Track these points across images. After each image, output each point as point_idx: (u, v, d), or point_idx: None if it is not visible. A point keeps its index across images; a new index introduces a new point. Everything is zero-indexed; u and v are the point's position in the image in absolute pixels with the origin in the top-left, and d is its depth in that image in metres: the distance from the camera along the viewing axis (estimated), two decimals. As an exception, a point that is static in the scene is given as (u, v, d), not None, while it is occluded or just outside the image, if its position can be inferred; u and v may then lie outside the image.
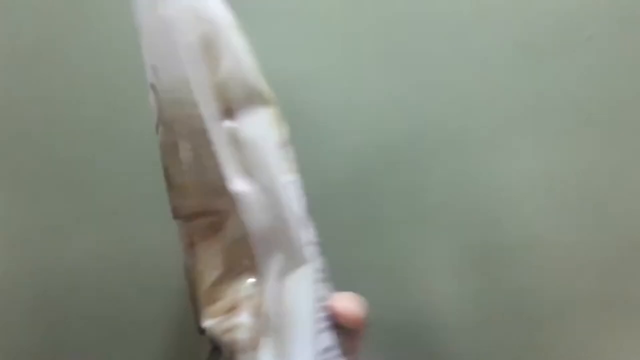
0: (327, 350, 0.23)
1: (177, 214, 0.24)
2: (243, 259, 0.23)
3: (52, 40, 0.35)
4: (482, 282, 0.37)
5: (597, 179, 0.37)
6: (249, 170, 0.23)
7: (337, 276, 0.26)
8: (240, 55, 0.23)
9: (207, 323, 0.23)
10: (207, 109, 0.22)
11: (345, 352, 0.24)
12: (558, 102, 0.36)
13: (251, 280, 0.23)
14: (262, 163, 0.23)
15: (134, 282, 0.36)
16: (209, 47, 0.22)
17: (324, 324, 0.23)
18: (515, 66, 0.36)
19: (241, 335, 0.22)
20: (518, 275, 0.37)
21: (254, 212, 0.22)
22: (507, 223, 0.37)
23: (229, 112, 0.23)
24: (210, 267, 0.23)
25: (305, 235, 0.24)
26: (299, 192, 0.24)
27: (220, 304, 0.23)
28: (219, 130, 0.22)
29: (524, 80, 0.36)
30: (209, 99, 0.22)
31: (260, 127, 0.23)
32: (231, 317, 0.22)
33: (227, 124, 0.23)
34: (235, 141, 0.23)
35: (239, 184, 0.22)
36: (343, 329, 0.24)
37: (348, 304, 0.24)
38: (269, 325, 0.22)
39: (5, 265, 0.36)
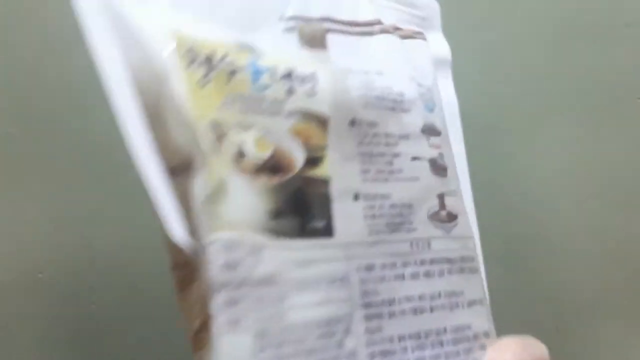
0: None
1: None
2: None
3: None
4: (509, 272, 0.34)
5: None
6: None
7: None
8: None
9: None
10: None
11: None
12: (595, 90, 0.33)
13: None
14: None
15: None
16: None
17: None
18: (553, 53, 0.33)
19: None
20: (549, 266, 0.33)
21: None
22: (540, 213, 0.34)
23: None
24: (191, 317, 0.24)
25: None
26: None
27: (206, 351, 0.24)
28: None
29: (561, 67, 0.34)
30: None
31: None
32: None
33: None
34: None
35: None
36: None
37: None
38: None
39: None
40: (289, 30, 0.30)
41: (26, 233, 0.32)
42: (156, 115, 0.23)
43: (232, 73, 0.25)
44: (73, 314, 0.31)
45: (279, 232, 0.25)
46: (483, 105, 0.37)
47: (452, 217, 0.31)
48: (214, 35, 0.26)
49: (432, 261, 0.30)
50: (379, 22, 0.34)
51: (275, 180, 0.25)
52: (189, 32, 0.25)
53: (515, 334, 0.33)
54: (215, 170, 0.23)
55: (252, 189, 0.24)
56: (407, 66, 0.33)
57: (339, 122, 0.28)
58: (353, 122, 0.29)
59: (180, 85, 0.23)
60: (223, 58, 0.25)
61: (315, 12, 0.31)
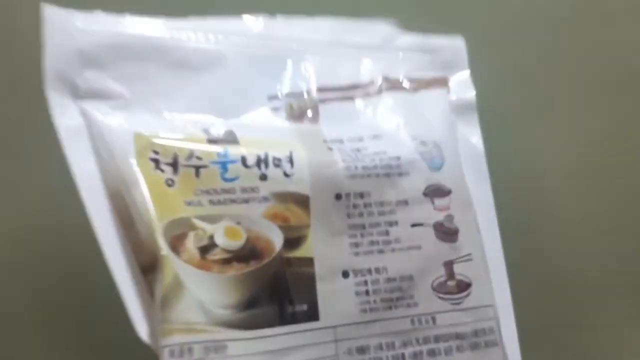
0: None
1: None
2: None
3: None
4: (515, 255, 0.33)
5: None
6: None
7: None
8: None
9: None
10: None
11: None
12: (609, 74, 0.31)
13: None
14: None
15: None
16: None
17: None
18: (567, 35, 0.36)
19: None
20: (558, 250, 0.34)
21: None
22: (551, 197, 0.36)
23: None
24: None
25: None
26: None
27: None
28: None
29: (574, 50, 0.36)
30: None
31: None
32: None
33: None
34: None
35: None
36: None
37: None
38: None
39: None
40: (277, 109, 0.30)
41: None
42: (128, 217, 0.25)
43: (200, 169, 0.26)
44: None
45: (251, 324, 0.25)
46: (495, 90, 0.36)
47: (462, 287, 0.28)
48: (185, 131, 0.27)
49: (438, 338, 0.27)
50: (383, 80, 0.33)
51: (250, 267, 0.26)
52: (155, 135, 0.26)
53: (520, 320, 0.30)
54: (169, 273, 0.24)
55: (219, 283, 0.25)
56: (412, 124, 0.31)
57: (321, 198, 0.28)
58: (338, 196, 0.28)
59: (144, 188, 0.25)
60: (190, 156, 0.26)
61: (308, 85, 0.31)
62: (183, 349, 0.23)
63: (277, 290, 0.26)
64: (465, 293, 0.28)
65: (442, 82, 0.35)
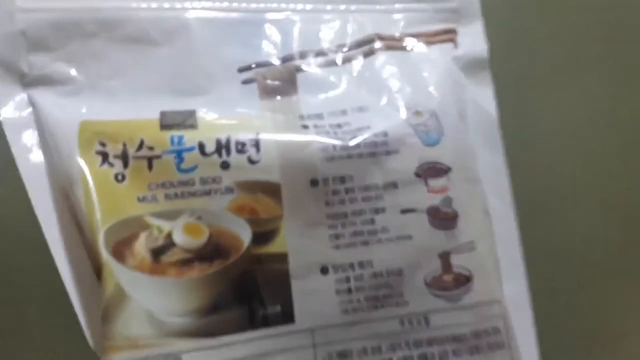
0: None
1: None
2: None
3: None
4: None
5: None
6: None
7: None
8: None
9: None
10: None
11: None
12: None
13: None
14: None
15: None
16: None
17: None
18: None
19: None
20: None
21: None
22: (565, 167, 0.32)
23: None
24: None
25: None
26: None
27: None
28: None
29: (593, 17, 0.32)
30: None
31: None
32: None
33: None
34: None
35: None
36: None
37: None
38: None
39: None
40: (248, 82, 0.27)
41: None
42: (76, 219, 0.23)
43: (153, 160, 0.23)
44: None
45: (215, 331, 0.22)
46: (513, 54, 0.32)
47: (461, 281, 0.25)
48: (139, 116, 0.24)
49: (431, 341, 0.24)
50: (373, 39, 0.28)
51: (214, 268, 0.23)
52: (103, 123, 0.24)
53: (534, 293, 0.27)
54: (110, 283, 0.22)
55: (176, 288, 0.22)
56: (406, 90, 0.27)
57: (294, 186, 0.24)
58: (314, 182, 0.24)
59: (87, 187, 0.22)
60: (141, 145, 0.23)
61: (285, 51, 0.27)
62: None
63: (246, 291, 0.23)
64: (464, 288, 0.25)
65: (449, 35, 0.30)
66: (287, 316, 0.23)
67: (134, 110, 0.24)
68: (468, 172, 0.26)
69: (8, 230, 0.27)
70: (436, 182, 0.25)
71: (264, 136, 0.24)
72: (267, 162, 0.24)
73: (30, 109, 0.24)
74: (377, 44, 0.28)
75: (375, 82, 0.27)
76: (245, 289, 0.23)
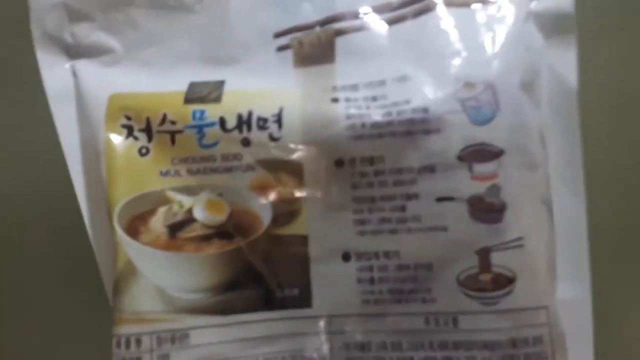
0: None
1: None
2: None
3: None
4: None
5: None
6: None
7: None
8: None
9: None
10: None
11: None
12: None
13: None
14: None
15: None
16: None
17: None
18: None
19: None
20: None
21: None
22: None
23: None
24: None
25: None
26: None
27: None
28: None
29: None
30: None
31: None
32: None
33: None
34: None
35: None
36: None
37: None
38: None
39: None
40: (283, 48, 0.25)
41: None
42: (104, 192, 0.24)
43: (175, 134, 0.23)
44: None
45: (228, 309, 0.22)
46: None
47: (501, 283, 0.22)
48: (168, 87, 0.24)
49: (458, 345, 0.22)
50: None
51: (233, 245, 0.23)
52: (131, 96, 0.24)
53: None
54: (121, 259, 0.22)
55: (192, 264, 0.22)
56: (457, 56, 0.23)
57: (317, 165, 0.23)
58: (340, 163, 0.23)
59: (110, 161, 0.23)
60: (164, 120, 0.23)
61: (323, 12, 0.25)
62: (130, 340, 0.22)
63: (264, 271, 0.23)
64: (504, 291, 0.22)
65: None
66: (304, 300, 0.23)
67: (167, 79, 0.24)
68: (526, 155, 0.22)
69: (50, 197, 0.29)
70: (483, 168, 0.22)
71: (288, 111, 0.23)
72: (289, 140, 0.22)
73: (72, 80, 0.25)
74: (433, 0, 0.24)
75: (425, 47, 0.24)
76: (263, 269, 0.23)
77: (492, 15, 0.24)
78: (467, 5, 0.24)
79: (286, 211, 0.23)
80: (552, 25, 0.24)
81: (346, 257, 0.23)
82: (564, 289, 0.24)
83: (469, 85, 0.23)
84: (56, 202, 0.29)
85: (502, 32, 0.23)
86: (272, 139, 0.22)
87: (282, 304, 0.23)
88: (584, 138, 0.24)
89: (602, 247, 0.24)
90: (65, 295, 0.31)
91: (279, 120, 0.22)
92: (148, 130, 0.23)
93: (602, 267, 0.24)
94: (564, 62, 0.24)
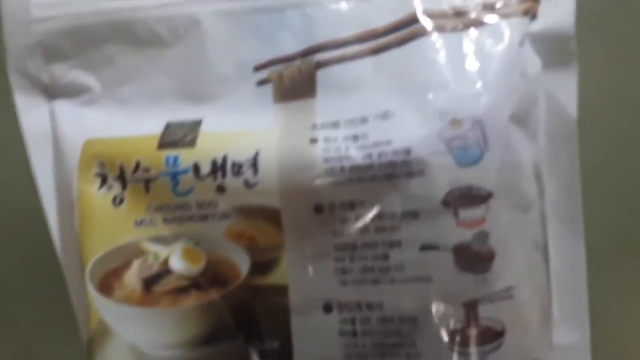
0: None
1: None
2: None
3: None
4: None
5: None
6: None
7: None
8: None
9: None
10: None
11: None
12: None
13: None
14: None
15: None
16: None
17: None
18: None
19: None
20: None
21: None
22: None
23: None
24: None
25: None
26: None
27: None
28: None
29: None
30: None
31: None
32: None
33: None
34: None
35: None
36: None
37: None
38: None
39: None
40: (263, 82, 0.24)
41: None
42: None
43: (149, 182, 0.22)
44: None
45: (207, 362, 0.22)
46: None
47: (489, 337, 0.20)
48: (143, 129, 0.23)
49: (445, 404, 0.20)
50: (416, 20, 0.23)
51: (211, 296, 0.22)
52: (103, 141, 0.23)
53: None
54: (94, 318, 0.22)
55: (169, 319, 0.22)
56: (445, 88, 0.22)
57: (296, 212, 0.22)
58: (319, 208, 0.21)
59: (82, 212, 0.22)
60: (137, 167, 0.22)
61: (305, 43, 0.23)
62: None
63: (242, 323, 0.22)
64: (492, 345, 0.20)
65: (528, 4, 0.23)
66: (285, 353, 0.22)
67: (143, 119, 0.23)
68: (517, 195, 0.21)
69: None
70: (469, 213, 0.21)
71: (264, 155, 0.22)
72: (265, 186, 0.21)
73: (50, 123, 0.24)
74: (421, 25, 0.23)
75: (410, 78, 0.22)
76: (242, 321, 0.22)
77: (484, 40, 0.22)
78: (458, 30, 0.22)
79: (265, 260, 0.22)
80: (551, 47, 0.22)
81: (327, 308, 0.22)
82: (561, 334, 0.22)
83: (455, 122, 0.21)
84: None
85: (494, 58, 0.22)
86: (248, 185, 0.21)
87: (263, 357, 0.22)
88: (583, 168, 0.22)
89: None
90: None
91: (254, 164, 0.21)
92: (122, 178, 0.22)
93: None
94: (563, 89, 0.23)
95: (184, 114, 0.24)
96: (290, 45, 0.24)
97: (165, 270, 0.22)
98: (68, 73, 0.24)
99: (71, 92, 0.25)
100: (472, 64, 0.22)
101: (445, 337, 0.20)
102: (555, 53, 0.23)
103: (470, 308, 0.20)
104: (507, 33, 0.22)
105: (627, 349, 0.28)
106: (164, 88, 0.24)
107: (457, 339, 0.20)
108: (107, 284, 0.22)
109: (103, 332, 0.22)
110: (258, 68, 0.24)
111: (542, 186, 0.22)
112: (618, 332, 0.28)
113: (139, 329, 0.22)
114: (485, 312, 0.20)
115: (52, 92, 0.25)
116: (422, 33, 0.22)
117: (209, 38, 0.24)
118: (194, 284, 0.22)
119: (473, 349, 0.20)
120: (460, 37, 0.22)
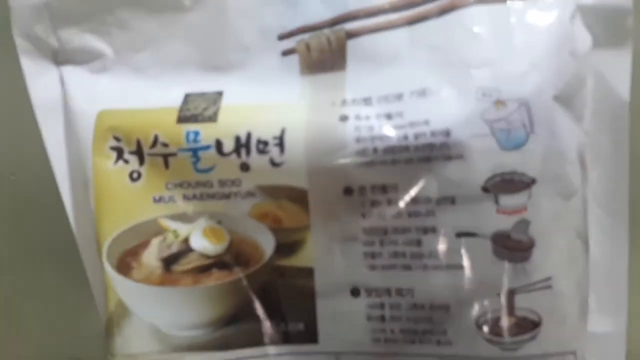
0: None
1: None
2: None
3: None
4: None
5: None
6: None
7: None
8: None
9: None
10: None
11: None
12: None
13: None
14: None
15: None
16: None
17: None
18: None
19: None
20: None
21: None
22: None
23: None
24: None
25: None
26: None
27: None
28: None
29: None
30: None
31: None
32: None
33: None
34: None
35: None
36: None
37: None
38: None
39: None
40: (288, 52, 0.22)
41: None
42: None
43: (169, 157, 0.21)
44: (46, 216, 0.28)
45: (230, 344, 0.21)
46: None
47: (526, 327, 0.20)
48: (161, 101, 0.21)
49: (475, 393, 0.20)
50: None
51: (234, 276, 0.21)
52: (118, 113, 0.21)
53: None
54: (112, 299, 0.21)
55: (189, 298, 0.21)
56: (489, 66, 0.20)
57: (323, 193, 0.20)
58: (348, 190, 0.20)
59: (98, 189, 0.21)
60: (155, 141, 0.21)
61: (334, 11, 0.22)
62: None
63: (266, 304, 0.21)
64: (527, 335, 0.20)
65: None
66: (310, 335, 0.21)
67: (160, 88, 0.22)
68: (561, 182, 0.20)
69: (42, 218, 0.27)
70: (511, 200, 0.19)
71: (290, 133, 0.20)
72: (292, 165, 0.20)
73: (60, 90, 0.23)
74: None
75: (450, 52, 0.20)
76: (266, 302, 0.21)
77: (532, 13, 0.20)
78: (503, 1, 0.20)
79: (290, 241, 0.21)
80: (604, 23, 0.21)
81: (355, 292, 0.21)
82: (598, 322, 0.22)
83: (499, 103, 0.20)
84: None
85: (542, 34, 0.20)
86: (274, 164, 0.20)
87: (286, 339, 0.21)
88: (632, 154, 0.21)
89: None
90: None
91: (280, 143, 0.20)
92: (139, 153, 0.21)
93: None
94: (615, 69, 0.21)
95: (203, 84, 0.22)
96: (318, 12, 0.22)
97: (185, 249, 0.21)
98: (78, 37, 0.23)
99: (81, 57, 0.23)
100: (518, 40, 0.20)
101: (478, 326, 0.20)
102: (608, 29, 0.21)
103: (507, 298, 0.20)
104: (556, 6, 0.20)
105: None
106: (182, 56, 0.22)
107: (491, 328, 0.20)
108: (125, 264, 0.21)
109: (122, 313, 0.21)
110: (283, 37, 0.22)
111: (587, 172, 0.21)
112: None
113: (159, 310, 0.21)
114: (521, 302, 0.19)
115: (60, 57, 0.23)
116: (464, 3, 0.20)
117: (230, 1, 0.22)
118: (216, 263, 0.21)
119: (507, 339, 0.20)
120: (506, 10, 0.20)
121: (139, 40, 0.23)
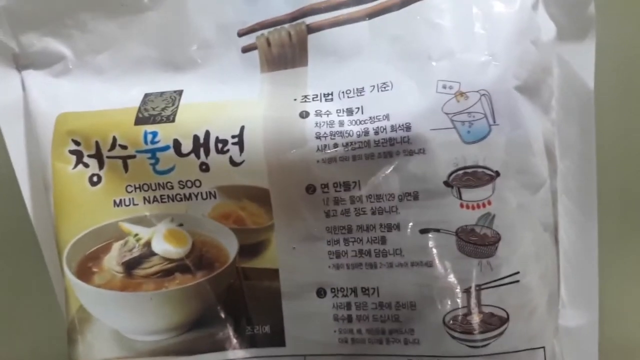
0: None
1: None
2: None
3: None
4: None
5: None
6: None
7: None
8: None
9: None
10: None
11: None
12: None
13: None
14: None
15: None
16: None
17: None
18: None
19: None
20: None
21: None
22: None
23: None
24: None
25: None
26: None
27: None
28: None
29: None
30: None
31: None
32: None
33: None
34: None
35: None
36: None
37: None
38: None
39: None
40: (248, 49, 0.22)
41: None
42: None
43: (128, 160, 0.20)
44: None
45: (194, 348, 0.21)
46: None
47: (493, 324, 0.19)
48: (121, 102, 0.21)
49: (443, 393, 0.19)
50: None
51: (197, 279, 0.21)
52: (77, 115, 0.21)
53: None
54: (73, 306, 0.20)
55: (151, 303, 0.20)
56: (449, 57, 0.20)
57: (285, 192, 0.20)
58: (311, 188, 0.20)
59: (58, 193, 0.21)
60: (114, 144, 0.20)
61: (296, 4, 0.21)
62: None
63: (231, 307, 0.21)
64: (495, 332, 0.19)
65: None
66: (276, 338, 0.21)
67: (120, 89, 0.22)
68: (527, 175, 0.19)
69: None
70: (474, 194, 0.19)
71: (249, 131, 0.20)
72: (252, 164, 0.20)
73: (21, 94, 0.22)
74: None
75: (411, 44, 0.20)
76: (231, 305, 0.21)
77: (494, 3, 0.20)
78: None
79: (254, 242, 0.21)
80: (567, 12, 0.20)
81: (321, 292, 0.20)
82: (568, 316, 0.21)
83: (460, 95, 0.19)
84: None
85: (504, 23, 0.20)
86: (234, 163, 0.20)
87: (253, 343, 0.21)
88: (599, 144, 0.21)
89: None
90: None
91: (239, 142, 0.20)
92: (98, 157, 0.21)
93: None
94: (580, 58, 0.21)
95: (164, 83, 0.22)
96: (279, 6, 0.21)
97: (147, 253, 0.21)
98: (38, 41, 0.22)
99: (43, 61, 0.23)
100: (479, 30, 0.20)
101: (445, 324, 0.19)
102: (571, 18, 0.21)
103: (473, 294, 0.19)
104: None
105: (633, 332, 0.27)
106: (142, 55, 0.22)
107: (459, 326, 0.19)
108: (86, 269, 0.20)
109: (84, 319, 0.20)
110: (243, 33, 0.22)
111: (555, 163, 0.21)
112: (624, 315, 0.27)
113: (121, 315, 0.21)
114: (488, 298, 0.19)
115: (22, 61, 0.23)
116: None
117: (189, 1, 0.22)
118: (179, 267, 0.21)
119: (475, 337, 0.19)
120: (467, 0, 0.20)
121: (99, 41, 0.22)
